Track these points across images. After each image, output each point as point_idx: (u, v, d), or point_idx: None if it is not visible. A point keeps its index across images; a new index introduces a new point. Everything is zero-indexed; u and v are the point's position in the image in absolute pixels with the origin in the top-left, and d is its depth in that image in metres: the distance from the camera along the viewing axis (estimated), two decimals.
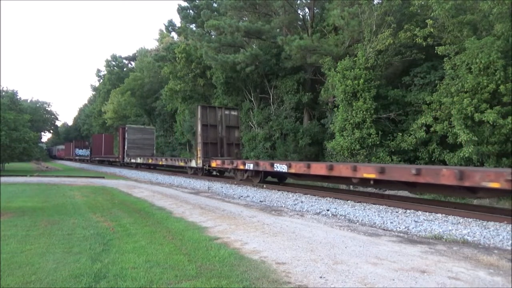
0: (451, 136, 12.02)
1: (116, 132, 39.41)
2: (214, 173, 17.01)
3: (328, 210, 8.15)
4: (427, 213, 7.51)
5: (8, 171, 24.08)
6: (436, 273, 3.89)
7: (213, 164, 15.12)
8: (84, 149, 45.29)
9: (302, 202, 9.29)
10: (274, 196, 10.47)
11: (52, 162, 50.55)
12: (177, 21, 36.55)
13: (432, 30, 12.86)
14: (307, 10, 22.00)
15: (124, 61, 55.72)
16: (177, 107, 30.24)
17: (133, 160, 24.97)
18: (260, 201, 9.82)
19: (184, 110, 28.66)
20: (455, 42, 12.47)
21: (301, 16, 22.24)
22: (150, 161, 22.80)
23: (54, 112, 71.87)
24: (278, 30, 21.52)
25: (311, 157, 18.71)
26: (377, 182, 8.71)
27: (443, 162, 12.76)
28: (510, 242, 5.32)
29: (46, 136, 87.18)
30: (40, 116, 60.84)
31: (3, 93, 38.71)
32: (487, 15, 11.78)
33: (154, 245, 5.03)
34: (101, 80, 59.84)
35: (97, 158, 36.62)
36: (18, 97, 40.95)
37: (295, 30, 20.56)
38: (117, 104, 40.75)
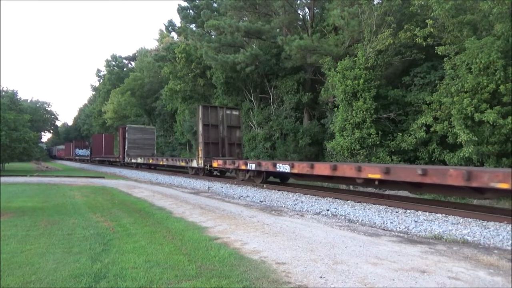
0: (451, 136, 12.02)
1: (116, 132, 39.43)
2: (215, 173, 17.01)
3: (328, 210, 8.14)
4: (427, 213, 7.50)
5: (8, 171, 24.07)
6: (436, 273, 3.89)
7: (215, 164, 15.08)
8: (84, 149, 45.28)
9: (302, 202, 9.28)
10: (274, 196, 10.47)
11: (52, 162, 50.52)
12: (177, 21, 36.67)
13: (432, 30, 12.87)
14: (307, 10, 22.03)
15: (124, 61, 55.77)
16: (177, 107, 30.24)
17: (133, 160, 24.90)
18: (260, 201, 9.82)
19: (184, 110, 28.66)
20: (455, 42, 12.48)
21: (301, 16, 22.26)
22: (151, 161, 22.72)
23: (54, 112, 72.04)
24: (278, 30, 21.52)
25: (311, 157, 18.71)
26: (382, 183, 8.56)
27: (443, 162, 12.75)
28: (510, 242, 5.32)
29: (46, 136, 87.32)
30: (40, 116, 60.85)
31: (3, 93, 38.74)
32: (487, 15, 11.78)
33: (154, 245, 5.03)
34: (101, 80, 59.86)
35: (97, 158, 36.58)
36: (18, 97, 41.01)
37: (295, 30, 20.57)
38: (117, 104, 40.76)
